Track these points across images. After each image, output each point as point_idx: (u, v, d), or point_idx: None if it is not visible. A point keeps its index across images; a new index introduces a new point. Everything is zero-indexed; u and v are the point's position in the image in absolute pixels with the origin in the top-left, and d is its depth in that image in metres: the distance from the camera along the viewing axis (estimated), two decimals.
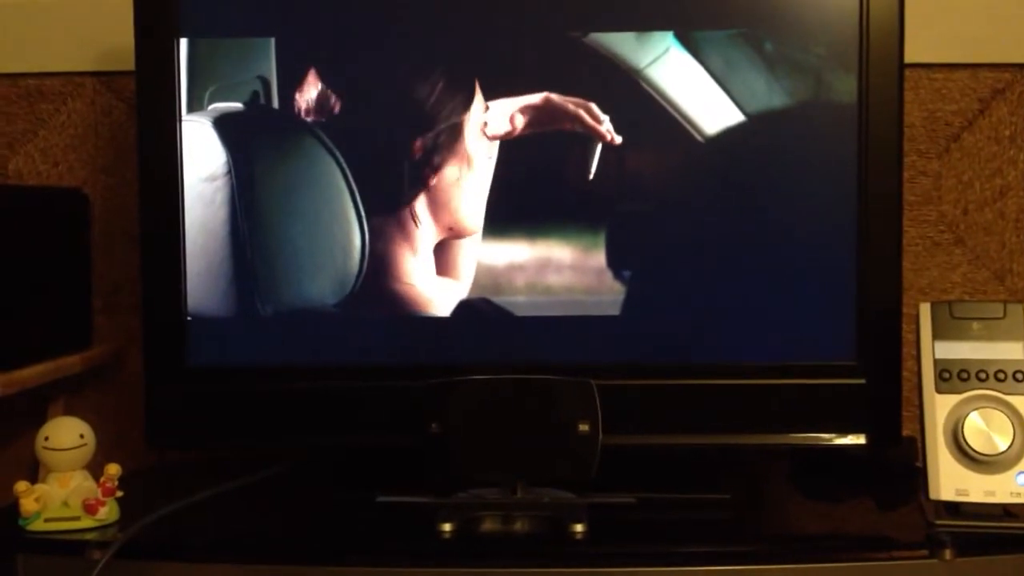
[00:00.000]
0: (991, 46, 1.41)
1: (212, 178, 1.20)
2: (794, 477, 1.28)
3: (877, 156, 1.16)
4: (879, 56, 1.16)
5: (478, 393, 1.11)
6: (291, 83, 1.19)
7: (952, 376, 1.07)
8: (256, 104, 1.20)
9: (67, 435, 1.10)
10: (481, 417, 1.10)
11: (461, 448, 1.10)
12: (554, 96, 1.18)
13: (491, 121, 1.18)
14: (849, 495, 1.22)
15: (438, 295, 1.20)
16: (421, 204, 1.19)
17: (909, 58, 1.18)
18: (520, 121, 1.18)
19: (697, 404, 1.18)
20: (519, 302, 1.19)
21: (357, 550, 1.05)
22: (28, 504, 1.07)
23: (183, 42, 1.20)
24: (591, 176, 1.18)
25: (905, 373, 1.19)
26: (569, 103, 1.17)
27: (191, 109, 1.20)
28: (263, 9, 1.21)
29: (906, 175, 1.31)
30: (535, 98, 1.18)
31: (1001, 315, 1.09)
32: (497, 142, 1.18)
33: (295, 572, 1.03)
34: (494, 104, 1.18)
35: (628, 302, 1.18)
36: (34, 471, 1.22)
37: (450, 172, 1.18)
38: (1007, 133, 1.42)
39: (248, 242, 1.20)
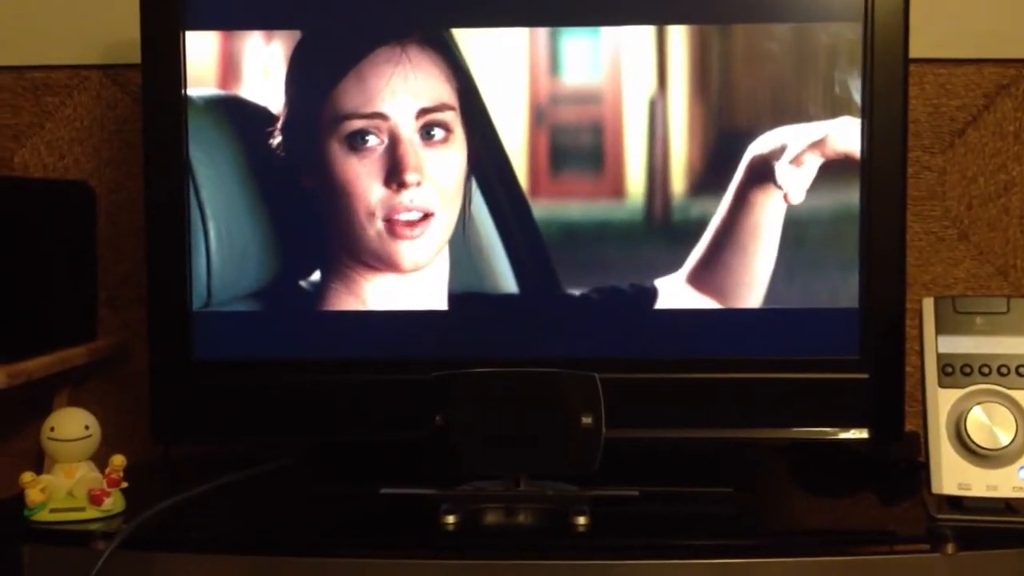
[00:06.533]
0: (996, 41, 1.40)
1: (217, 170, 1.20)
2: (797, 471, 1.29)
3: (881, 151, 1.16)
4: (884, 51, 1.16)
5: (482, 386, 1.11)
6: (296, 77, 1.20)
7: (955, 371, 1.07)
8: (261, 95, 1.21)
9: (72, 426, 1.10)
10: (485, 410, 1.11)
11: (465, 440, 1.10)
12: None
13: None
14: (852, 489, 1.22)
15: (443, 288, 1.20)
16: (426, 198, 1.19)
17: (914, 53, 1.18)
18: None
19: (700, 398, 1.18)
20: (525, 294, 1.20)
21: (360, 542, 1.05)
22: (33, 494, 1.08)
23: (189, 35, 1.20)
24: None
25: (908, 368, 1.20)
26: None
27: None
28: (269, 3, 1.21)
29: (910, 170, 1.30)
30: None
31: (1004, 310, 1.09)
32: None
33: (298, 563, 1.03)
34: None
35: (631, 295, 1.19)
36: (39, 462, 1.22)
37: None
38: (1011, 129, 1.42)
39: (254, 234, 1.20)
